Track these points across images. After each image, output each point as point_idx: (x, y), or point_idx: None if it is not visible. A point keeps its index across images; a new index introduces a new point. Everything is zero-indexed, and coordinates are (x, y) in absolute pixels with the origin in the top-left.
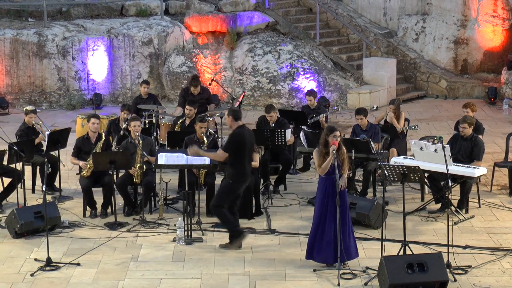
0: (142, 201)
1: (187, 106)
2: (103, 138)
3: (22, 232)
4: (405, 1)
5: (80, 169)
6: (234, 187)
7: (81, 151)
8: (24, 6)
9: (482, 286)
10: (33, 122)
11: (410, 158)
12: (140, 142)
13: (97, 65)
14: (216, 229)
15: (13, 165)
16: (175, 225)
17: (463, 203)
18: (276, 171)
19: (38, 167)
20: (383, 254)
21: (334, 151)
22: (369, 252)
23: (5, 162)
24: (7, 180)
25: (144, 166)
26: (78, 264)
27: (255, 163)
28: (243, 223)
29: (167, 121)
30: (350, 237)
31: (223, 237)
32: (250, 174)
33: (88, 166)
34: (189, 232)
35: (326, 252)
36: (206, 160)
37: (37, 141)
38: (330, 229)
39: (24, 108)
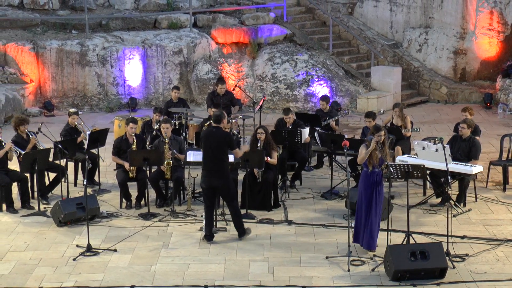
0: (172, 194)
1: (213, 109)
2: (135, 140)
3: (66, 221)
4: (410, 15)
5: (117, 165)
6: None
7: (120, 151)
8: (68, 19)
9: (478, 272)
10: (76, 123)
11: (413, 157)
12: (167, 141)
13: (132, 72)
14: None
15: (57, 161)
16: (201, 216)
17: (461, 198)
18: (292, 167)
19: (80, 163)
20: (389, 243)
21: (376, 143)
22: None
23: (50, 159)
24: (52, 175)
25: (171, 162)
26: (115, 250)
27: (274, 160)
28: (263, 214)
29: (195, 122)
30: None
31: (246, 226)
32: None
33: (133, 168)
34: (215, 222)
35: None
36: (230, 157)
37: (79, 139)
38: (376, 217)
39: (68, 110)
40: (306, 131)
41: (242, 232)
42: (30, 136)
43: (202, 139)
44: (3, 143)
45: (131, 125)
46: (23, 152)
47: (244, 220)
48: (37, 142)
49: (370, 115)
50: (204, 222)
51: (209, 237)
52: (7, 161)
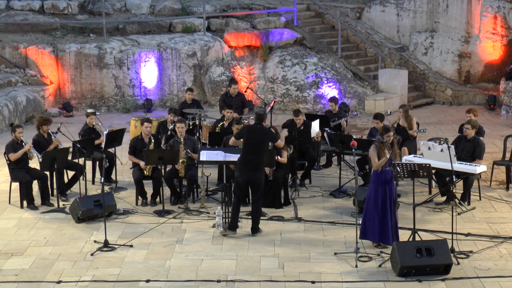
0: (186, 192)
1: (226, 110)
2: (152, 140)
3: (84, 218)
4: (416, 20)
5: (133, 164)
6: None
7: (136, 150)
8: (87, 23)
9: (482, 269)
10: (94, 123)
11: (419, 157)
12: (182, 141)
13: (148, 74)
14: (250, 217)
15: (76, 160)
16: (214, 213)
17: (465, 196)
18: (302, 167)
19: (97, 162)
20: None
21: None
22: None
23: (69, 158)
24: (71, 173)
25: (186, 161)
26: (131, 246)
27: (284, 159)
28: (274, 212)
29: (208, 123)
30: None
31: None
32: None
33: (149, 167)
34: (227, 219)
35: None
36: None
37: (97, 142)
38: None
39: (86, 111)
40: (315, 124)
41: (256, 230)
42: (53, 137)
43: (244, 134)
44: (23, 143)
45: (145, 124)
46: (40, 155)
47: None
48: (59, 144)
49: (378, 116)
50: (231, 213)
51: (234, 227)
52: (27, 160)
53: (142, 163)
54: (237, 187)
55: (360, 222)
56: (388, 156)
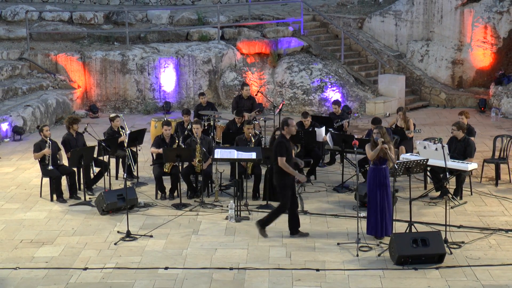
0: (202, 187)
1: (236, 117)
2: (176, 141)
3: (108, 210)
4: (413, 29)
5: (153, 161)
6: None
7: (159, 146)
8: (111, 33)
9: (473, 258)
10: (119, 125)
11: (415, 155)
12: (198, 141)
13: (167, 79)
14: (260, 210)
15: (101, 158)
16: (227, 206)
17: (458, 192)
18: (308, 164)
19: (120, 159)
20: (393, 232)
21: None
22: None
23: (95, 155)
24: (96, 170)
25: (202, 160)
26: (151, 236)
27: None
28: None
29: (222, 123)
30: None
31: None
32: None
33: (169, 165)
34: (239, 212)
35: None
36: (252, 155)
37: (120, 139)
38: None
39: (110, 115)
40: (322, 130)
41: (264, 224)
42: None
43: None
44: (47, 143)
45: (165, 127)
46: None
47: (264, 210)
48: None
49: (376, 121)
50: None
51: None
52: (57, 157)
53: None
54: (290, 192)
55: (362, 215)
56: (380, 144)
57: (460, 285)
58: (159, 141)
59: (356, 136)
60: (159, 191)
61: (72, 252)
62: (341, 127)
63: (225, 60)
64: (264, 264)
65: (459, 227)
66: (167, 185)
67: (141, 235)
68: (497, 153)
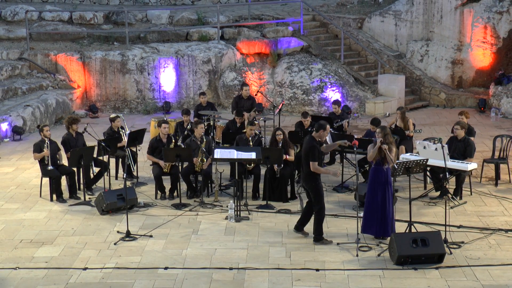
0: (201, 187)
1: (236, 117)
2: (173, 140)
3: (108, 210)
4: (413, 29)
5: (153, 161)
6: None
7: (155, 149)
8: (111, 33)
9: (473, 258)
10: (119, 126)
11: (415, 155)
12: (204, 140)
13: (167, 79)
14: (259, 210)
15: (101, 158)
16: (227, 206)
17: (458, 192)
18: None
19: (120, 159)
20: (393, 232)
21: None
22: None
23: (95, 155)
24: (96, 170)
25: (205, 159)
26: (151, 236)
27: (291, 157)
28: (281, 205)
29: (222, 123)
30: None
31: (266, 216)
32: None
33: (168, 165)
34: (238, 212)
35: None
36: (252, 155)
37: (119, 144)
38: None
39: (110, 116)
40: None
41: (319, 237)
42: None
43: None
44: (46, 143)
45: (163, 125)
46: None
47: (264, 210)
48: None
49: (375, 122)
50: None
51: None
52: (57, 157)
53: (161, 162)
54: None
55: (361, 215)
56: (379, 144)
57: (460, 285)
58: (154, 144)
59: (356, 136)
60: (158, 191)
61: (72, 252)
62: (341, 127)
63: (225, 60)
64: (264, 264)
65: (459, 227)
66: (167, 185)
67: (141, 235)
68: (496, 153)
